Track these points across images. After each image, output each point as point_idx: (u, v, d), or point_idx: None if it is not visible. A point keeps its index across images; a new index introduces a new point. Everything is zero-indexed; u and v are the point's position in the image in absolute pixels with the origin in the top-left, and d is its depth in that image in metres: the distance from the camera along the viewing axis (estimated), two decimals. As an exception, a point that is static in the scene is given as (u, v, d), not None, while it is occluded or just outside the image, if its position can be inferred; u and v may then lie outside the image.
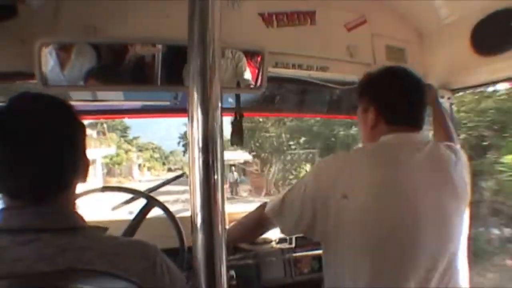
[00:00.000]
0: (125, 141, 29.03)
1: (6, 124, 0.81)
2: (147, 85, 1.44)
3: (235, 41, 1.48)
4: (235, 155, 22.15)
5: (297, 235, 1.74)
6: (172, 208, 1.56)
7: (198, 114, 0.56)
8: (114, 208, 1.72)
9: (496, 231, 7.46)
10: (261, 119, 17.37)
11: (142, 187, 1.83)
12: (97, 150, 21.56)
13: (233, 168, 21.77)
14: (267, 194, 17.96)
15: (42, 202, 0.81)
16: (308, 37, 1.68)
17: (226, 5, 1.52)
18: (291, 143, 18.14)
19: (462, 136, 7.36)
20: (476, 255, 5.95)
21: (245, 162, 22.93)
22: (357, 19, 1.75)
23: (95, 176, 18.65)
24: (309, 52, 1.70)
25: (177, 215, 1.50)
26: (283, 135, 18.26)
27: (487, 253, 6.87)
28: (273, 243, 1.85)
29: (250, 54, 1.51)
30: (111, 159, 25.68)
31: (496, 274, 6.37)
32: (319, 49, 1.71)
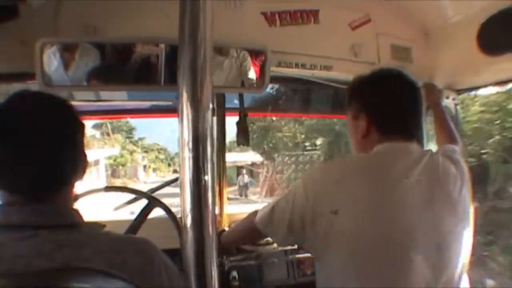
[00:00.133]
0: (130, 142, 29.11)
1: (5, 123, 0.82)
2: (149, 85, 1.43)
3: (238, 40, 1.47)
4: (244, 156, 21.90)
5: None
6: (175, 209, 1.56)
7: (188, 115, 0.56)
8: (116, 209, 1.73)
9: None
10: (274, 118, 16.44)
11: (147, 188, 1.82)
12: (100, 151, 21.47)
13: (243, 170, 21.19)
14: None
15: (41, 199, 0.83)
16: (311, 36, 1.66)
17: (228, 5, 1.52)
18: (307, 143, 17.35)
19: (497, 137, 7.13)
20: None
21: (253, 164, 22.51)
22: (362, 18, 1.73)
23: (98, 178, 18.38)
24: (313, 51, 1.68)
25: (179, 216, 1.50)
26: (298, 135, 17.54)
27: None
28: (276, 244, 1.83)
29: (253, 54, 1.50)
30: (115, 160, 25.68)
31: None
32: (323, 48, 1.69)
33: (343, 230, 1.05)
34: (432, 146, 1.51)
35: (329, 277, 1.12)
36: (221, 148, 1.91)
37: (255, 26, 1.59)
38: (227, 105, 1.86)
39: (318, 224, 1.09)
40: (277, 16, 1.60)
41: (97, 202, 1.79)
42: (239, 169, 22.05)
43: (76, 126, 0.91)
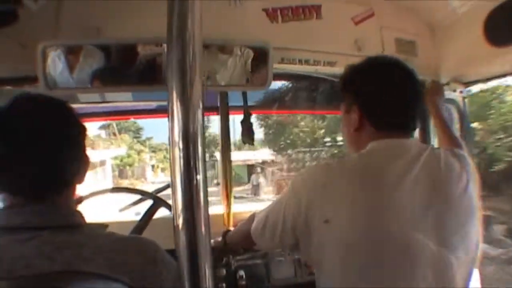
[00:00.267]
0: (138, 141, 29.20)
1: (6, 125, 0.82)
2: (153, 85, 1.42)
3: (240, 38, 1.46)
4: (255, 155, 21.61)
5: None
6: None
7: (178, 114, 0.55)
8: (121, 210, 1.73)
9: None
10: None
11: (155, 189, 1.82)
12: (106, 151, 21.33)
13: (258, 169, 20.71)
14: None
15: (42, 200, 0.83)
16: (314, 32, 1.64)
17: (228, 4, 1.50)
18: (327, 139, 16.53)
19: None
20: None
21: (264, 162, 22.06)
22: (365, 12, 1.71)
23: (104, 178, 17.97)
24: (316, 47, 1.66)
25: None
26: (317, 130, 17.04)
27: None
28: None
29: (256, 51, 1.49)
30: (121, 160, 25.70)
31: None
32: (326, 43, 1.67)
33: (337, 238, 0.98)
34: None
35: (328, 283, 1.05)
36: (226, 147, 1.90)
37: (257, 23, 1.57)
38: (238, 104, 1.85)
39: (310, 236, 1.02)
40: (278, 12, 1.59)
41: (103, 203, 1.79)
42: (249, 167, 21.84)
43: (76, 127, 0.91)
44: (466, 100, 1.93)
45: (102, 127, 24.21)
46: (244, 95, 1.78)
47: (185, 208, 0.56)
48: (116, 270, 0.78)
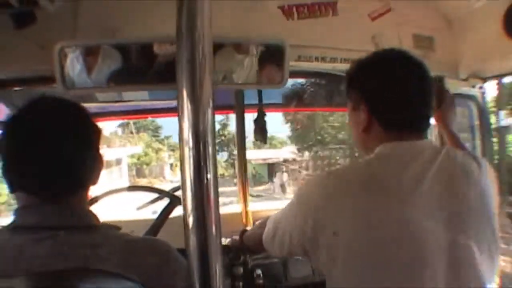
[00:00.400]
0: (157, 140, 29.40)
1: (23, 126, 0.84)
2: (170, 84, 1.42)
3: (255, 36, 1.45)
4: (277, 153, 21.30)
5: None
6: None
7: (188, 113, 0.55)
8: (139, 208, 1.74)
9: None
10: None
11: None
12: (122, 149, 21.20)
13: (283, 167, 20.22)
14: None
15: (58, 200, 0.84)
16: (330, 29, 1.63)
17: (244, 2, 1.51)
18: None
19: None
20: None
21: (285, 160, 21.34)
22: (381, 8, 1.69)
23: (120, 177, 17.72)
24: (332, 44, 1.65)
25: None
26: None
27: None
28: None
29: (272, 49, 1.48)
30: (138, 158, 25.82)
31: None
32: (343, 40, 1.66)
33: (346, 251, 0.93)
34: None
35: None
36: (241, 146, 1.90)
37: (273, 21, 1.57)
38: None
39: (319, 248, 0.97)
40: (294, 9, 1.58)
41: (121, 201, 1.81)
42: (270, 166, 21.54)
43: (91, 128, 0.92)
44: (485, 95, 1.89)
45: (120, 125, 24.43)
46: (260, 93, 1.78)
47: (196, 207, 0.56)
48: (129, 270, 0.78)
